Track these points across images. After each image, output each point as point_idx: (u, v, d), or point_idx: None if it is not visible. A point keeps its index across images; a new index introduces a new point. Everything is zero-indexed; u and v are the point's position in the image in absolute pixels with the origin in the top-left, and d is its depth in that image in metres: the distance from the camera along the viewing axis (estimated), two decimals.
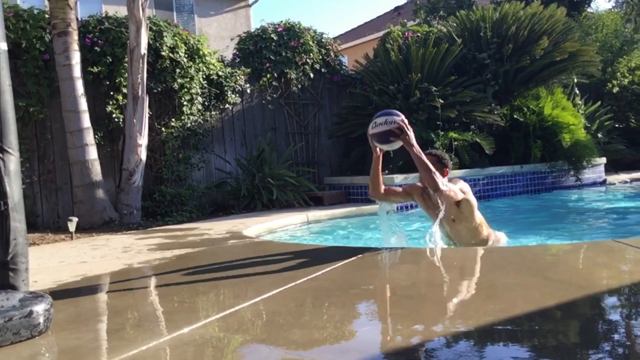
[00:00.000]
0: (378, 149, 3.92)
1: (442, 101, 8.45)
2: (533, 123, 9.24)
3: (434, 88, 8.61)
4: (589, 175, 9.81)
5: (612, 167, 10.92)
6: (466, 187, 4.01)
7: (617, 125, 12.14)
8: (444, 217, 3.95)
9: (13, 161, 2.51)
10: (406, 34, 10.35)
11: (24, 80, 6.79)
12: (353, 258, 3.60)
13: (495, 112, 8.95)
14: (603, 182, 10.21)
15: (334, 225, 6.72)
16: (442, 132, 8.42)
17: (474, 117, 8.79)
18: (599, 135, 11.00)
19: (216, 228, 5.90)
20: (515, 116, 9.30)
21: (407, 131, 3.72)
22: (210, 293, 3.03)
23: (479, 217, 4.08)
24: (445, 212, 3.92)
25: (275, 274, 3.35)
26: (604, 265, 3.20)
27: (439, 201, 3.90)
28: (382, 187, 4.10)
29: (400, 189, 4.36)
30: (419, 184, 4.19)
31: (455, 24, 10.31)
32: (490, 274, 3.14)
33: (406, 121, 3.77)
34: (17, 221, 2.48)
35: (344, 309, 2.52)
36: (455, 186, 3.93)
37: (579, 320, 2.20)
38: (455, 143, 8.38)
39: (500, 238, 4.24)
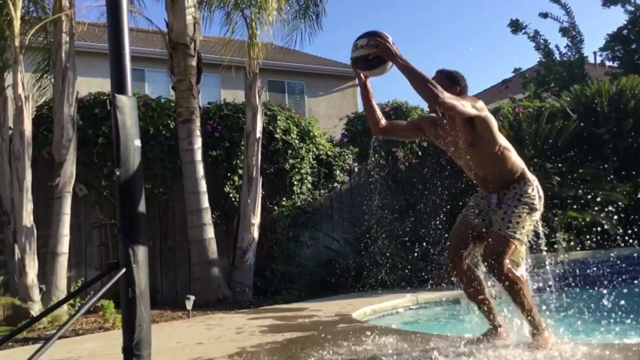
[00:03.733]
0: (362, 75, 3.37)
1: (558, 179, 8.11)
2: None
3: (549, 165, 8.31)
4: None
5: None
6: (480, 103, 3.28)
7: None
8: (462, 145, 3.33)
9: (142, 251, 2.68)
10: (517, 109, 10.17)
11: (151, 163, 7.33)
12: (461, 348, 3.44)
13: (617, 190, 8.45)
14: None
15: (446, 308, 6.48)
16: (560, 211, 8.02)
17: (593, 195, 8.33)
18: None
19: (325, 309, 5.89)
20: (639, 194, 8.71)
21: (387, 43, 3.09)
22: None
23: (502, 140, 3.41)
24: (461, 137, 3.31)
25: None
26: None
27: (451, 124, 3.31)
28: (382, 121, 3.49)
29: (404, 122, 3.80)
30: (430, 114, 3.63)
31: (569, 99, 10.02)
32: None
33: (390, 39, 3.14)
34: (143, 308, 2.62)
35: None
36: (464, 100, 3.21)
37: None
38: (575, 223, 7.94)
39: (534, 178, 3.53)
